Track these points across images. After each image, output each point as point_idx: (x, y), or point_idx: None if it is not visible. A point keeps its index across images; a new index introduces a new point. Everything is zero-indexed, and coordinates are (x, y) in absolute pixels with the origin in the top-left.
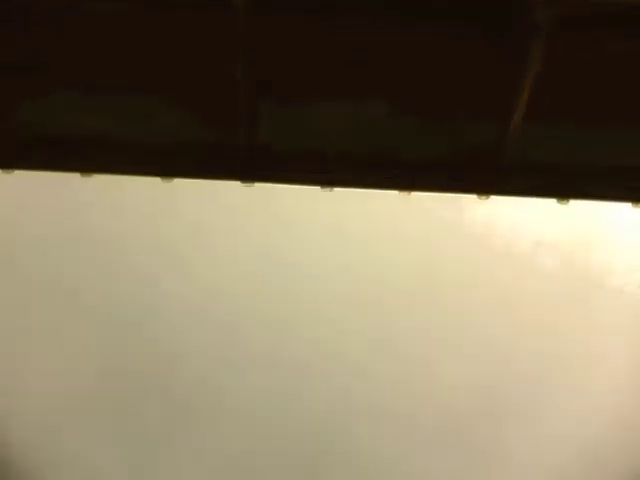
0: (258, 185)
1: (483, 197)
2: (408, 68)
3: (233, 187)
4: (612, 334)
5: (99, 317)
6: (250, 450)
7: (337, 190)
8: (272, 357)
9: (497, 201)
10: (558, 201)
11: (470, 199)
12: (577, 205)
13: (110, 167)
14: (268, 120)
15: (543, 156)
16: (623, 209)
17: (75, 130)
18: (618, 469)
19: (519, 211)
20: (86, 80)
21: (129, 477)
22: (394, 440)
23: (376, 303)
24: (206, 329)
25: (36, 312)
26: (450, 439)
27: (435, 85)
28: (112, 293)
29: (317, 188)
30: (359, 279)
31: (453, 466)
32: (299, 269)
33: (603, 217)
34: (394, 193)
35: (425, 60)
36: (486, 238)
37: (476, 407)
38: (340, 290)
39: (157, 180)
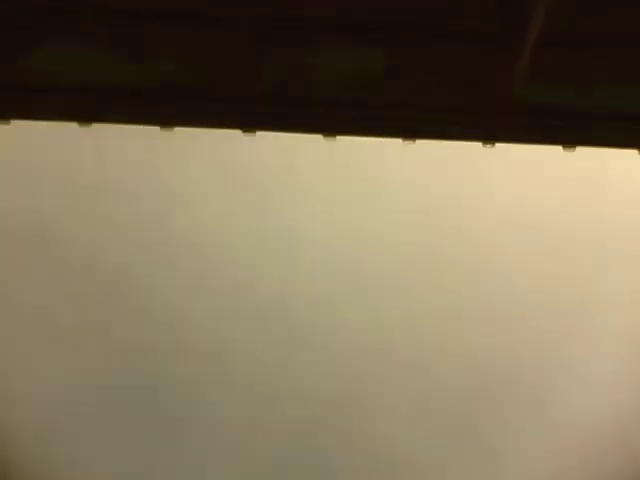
0: (260, 134)
1: (488, 144)
2: (408, 19)
3: (233, 136)
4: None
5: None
6: (256, 453)
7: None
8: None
9: None
10: (564, 148)
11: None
12: None
13: (107, 116)
14: (269, 69)
15: (547, 104)
16: None
17: (72, 79)
18: (621, 458)
19: None
20: (84, 29)
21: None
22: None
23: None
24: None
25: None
26: (450, 425)
27: (437, 35)
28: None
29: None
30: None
31: (454, 453)
32: (303, 220)
33: None
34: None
35: (427, 10)
36: None
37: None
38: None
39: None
